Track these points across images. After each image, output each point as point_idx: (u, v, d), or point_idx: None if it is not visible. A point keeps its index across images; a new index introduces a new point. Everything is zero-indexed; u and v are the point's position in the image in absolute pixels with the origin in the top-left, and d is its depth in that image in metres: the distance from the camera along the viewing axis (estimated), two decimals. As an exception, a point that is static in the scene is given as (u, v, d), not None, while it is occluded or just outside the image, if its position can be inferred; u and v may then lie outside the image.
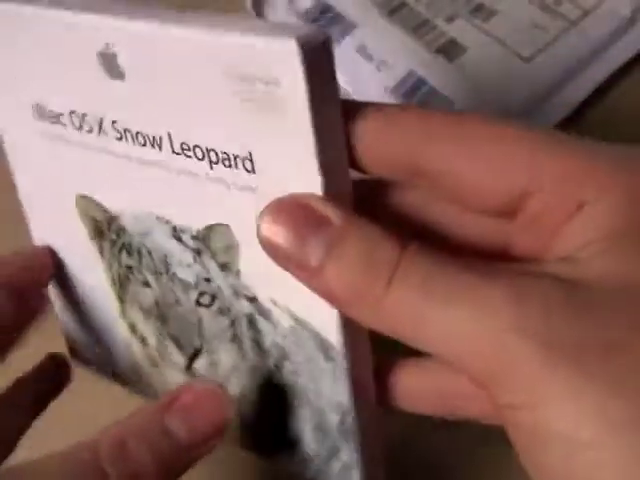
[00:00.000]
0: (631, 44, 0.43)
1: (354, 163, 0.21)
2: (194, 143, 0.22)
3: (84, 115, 0.24)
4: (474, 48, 0.42)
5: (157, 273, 0.26)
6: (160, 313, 0.27)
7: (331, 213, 0.20)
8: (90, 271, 0.28)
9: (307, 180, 0.20)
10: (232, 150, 0.21)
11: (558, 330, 0.17)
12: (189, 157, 0.22)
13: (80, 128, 0.25)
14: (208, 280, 0.25)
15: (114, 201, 0.26)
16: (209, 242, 0.24)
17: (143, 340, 0.28)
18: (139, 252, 0.26)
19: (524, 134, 0.20)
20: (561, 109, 0.41)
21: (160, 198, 0.24)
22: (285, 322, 0.23)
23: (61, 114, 0.25)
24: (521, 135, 0.20)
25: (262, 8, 0.44)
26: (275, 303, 0.23)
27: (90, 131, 0.24)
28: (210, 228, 0.24)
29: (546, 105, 0.41)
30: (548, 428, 0.17)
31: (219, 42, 0.20)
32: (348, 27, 0.43)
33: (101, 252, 0.27)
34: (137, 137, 0.23)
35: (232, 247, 0.23)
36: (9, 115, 0.27)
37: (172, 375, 0.28)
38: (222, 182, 0.22)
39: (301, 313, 0.23)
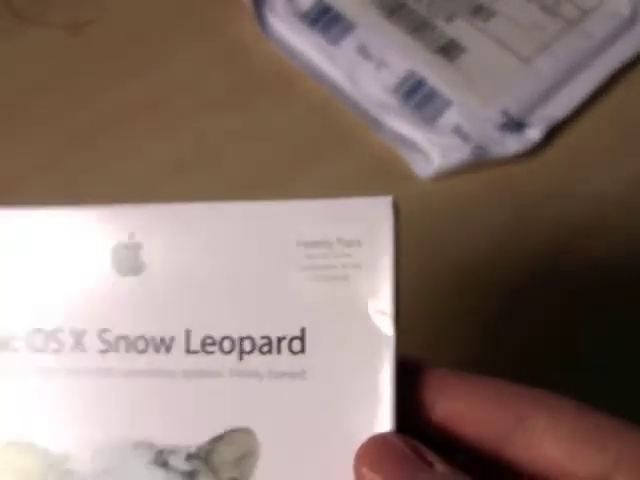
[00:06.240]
0: (631, 44, 0.43)
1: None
2: (223, 334, 0.21)
3: (55, 331, 0.21)
4: (474, 48, 0.42)
5: None
6: None
7: (434, 459, 0.19)
8: None
9: (374, 361, 0.20)
10: (277, 331, 0.20)
11: None
12: (210, 353, 0.21)
13: (40, 350, 0.21)
14: None
15: (62, 439, 0.21)
16: (213, 457, 0.20)
17: None
18: None
19: (612, 428, 0.20)
20: (561, 109, 0.41)
21: (145, 416, 0.21)
22: None
23: (13, 337, 0.21)
24: (609, 428, 0.20)
25: (261, 8, 0.44)
26: None
27: (57, 351, 0.21)
28: (219, 439, 0.20)
29: (546, 105, 0.41)
30: None
31: (299, 208, 0.20)
32: (348, 27, 0.43)
33: None
34: (135, 344, 0.21)
35: (248, 456, 0.20)
36: None
37: None
38: (253, 375, 0.20)
39: None
